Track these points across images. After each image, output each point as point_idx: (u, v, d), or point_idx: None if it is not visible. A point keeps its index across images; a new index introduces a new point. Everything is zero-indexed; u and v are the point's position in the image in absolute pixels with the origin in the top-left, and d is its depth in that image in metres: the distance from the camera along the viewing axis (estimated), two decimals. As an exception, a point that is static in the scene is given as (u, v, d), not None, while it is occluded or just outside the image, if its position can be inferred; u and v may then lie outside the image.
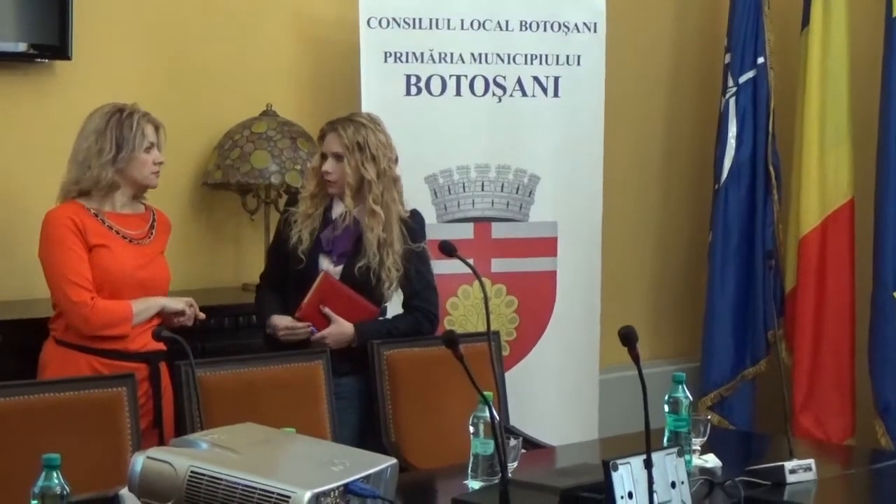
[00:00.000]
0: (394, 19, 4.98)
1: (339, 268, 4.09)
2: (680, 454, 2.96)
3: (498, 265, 5.15)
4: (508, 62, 5.14)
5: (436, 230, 4.65)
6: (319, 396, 3.91)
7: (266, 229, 4.81)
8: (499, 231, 5.16)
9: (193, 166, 4.87)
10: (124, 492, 2.68)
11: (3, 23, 4.35)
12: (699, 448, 3.54)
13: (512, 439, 3.38)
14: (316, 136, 4.37)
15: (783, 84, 5.94)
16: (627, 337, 2.74)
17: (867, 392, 5.67)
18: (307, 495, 2.49)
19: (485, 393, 2.92)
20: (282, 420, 3.26)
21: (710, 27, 6.25)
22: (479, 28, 5.11)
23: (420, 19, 5.02)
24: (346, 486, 2.60)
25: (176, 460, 2.58)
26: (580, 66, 5.22)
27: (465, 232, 5.07)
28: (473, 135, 5.11)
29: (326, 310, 4.04)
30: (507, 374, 4.54)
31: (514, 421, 4.27)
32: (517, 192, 5.18)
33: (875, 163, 5.66)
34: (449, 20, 5.06)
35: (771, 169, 5.87)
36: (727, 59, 5.89)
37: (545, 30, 5.19)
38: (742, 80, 5.85)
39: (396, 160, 4.15)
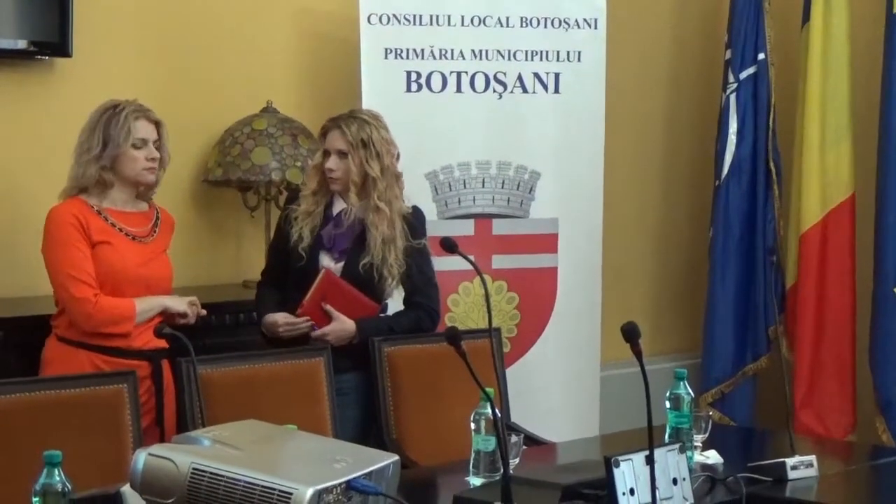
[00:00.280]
0: (394, 16, 4.98)
1: (341, 265, 4.09)
2: (681, 450, 2.96)
3: (499, 262, 5.15)
4: (509, 59, 5.13)
5: (436, 227, 4.64)
6: (321, 393, 3.91)
7: (267, 226, 4.81)
8: (499, 227, 5.16)
9: (194, 163, 4.86)
10: (126, 489, 2.67)
11: (4, 20, 4.34)
12: (700, 444, 3.54)
13: (513, 436, 3.37)
14: (317, 133, 4.36)
15: (784, 80, 5.94)
16: (630, 333, 2.74)
17: (868, 388, 5.67)
18: (309, 492, 2.49)
19: (486, 389, 2.92)
20: (283, 417, 3.26)
21: (711, 24, 6.25)
22: (479, 24, 5.10)
23: (420, 16, 5.02)
24: (348, 482, 2.59)
25: (178, 457, 2.58)
26: (581, 62, 5.21)
27: (466, 228, 5.07)
28: (474, 131, 5.10)
29: (328, 306, 4.03)
30: (508, 371, 4.53)
31: (516, 417, 4.27)
32: (518, 189, 5.17)
33: (876, 159, 5.65)
34: (449, 16, 5.06)
35: (772, 165, 5.86)
36: (728, 55, 5.88)
37: (546, 26, 5.18)
38: (743, 76, 5.85)
39: (398, 157, 4.15)
